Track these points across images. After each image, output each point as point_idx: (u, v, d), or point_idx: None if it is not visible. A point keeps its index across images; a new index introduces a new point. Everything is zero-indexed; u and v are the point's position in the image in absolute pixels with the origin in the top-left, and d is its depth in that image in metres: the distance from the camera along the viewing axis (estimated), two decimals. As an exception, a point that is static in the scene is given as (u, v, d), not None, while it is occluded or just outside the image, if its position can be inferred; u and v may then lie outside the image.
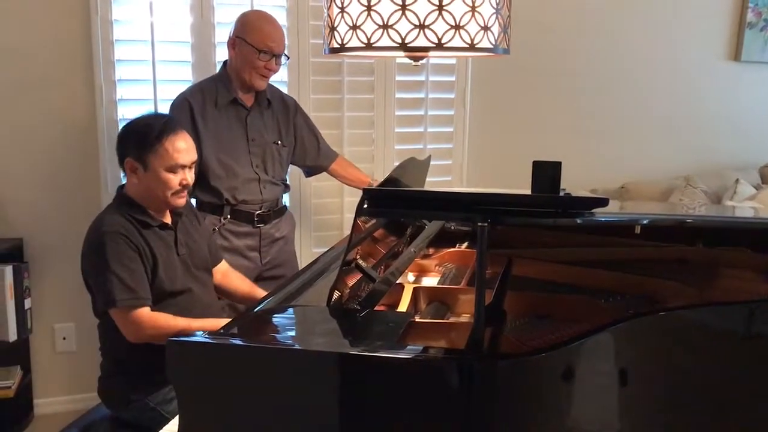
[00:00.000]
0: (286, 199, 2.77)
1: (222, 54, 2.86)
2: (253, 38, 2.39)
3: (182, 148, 1.96)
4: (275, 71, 2.48)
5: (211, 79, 2.55)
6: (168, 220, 2.04)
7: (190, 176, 2.01)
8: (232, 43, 2.44)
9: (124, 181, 2.06)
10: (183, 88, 2.64)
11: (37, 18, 2.72)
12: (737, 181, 3.52)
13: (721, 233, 1.99)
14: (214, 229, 2.45)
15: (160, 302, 1.94)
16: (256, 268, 2.58)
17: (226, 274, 2.26)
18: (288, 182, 2.69)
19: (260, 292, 2.21)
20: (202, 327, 1.78)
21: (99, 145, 2.83)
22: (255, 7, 2.83)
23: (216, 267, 2.23)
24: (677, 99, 3.79)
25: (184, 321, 1.89)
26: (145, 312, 1.88)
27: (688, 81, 3.79)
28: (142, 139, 1.94)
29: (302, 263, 2.77)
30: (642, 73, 3.68)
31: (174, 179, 1.96)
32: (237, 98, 2.47)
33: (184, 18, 2.85)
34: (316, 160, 2.74)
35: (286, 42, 2.57)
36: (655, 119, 3.77)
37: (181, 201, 2.01)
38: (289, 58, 2.57)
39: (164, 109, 2.75)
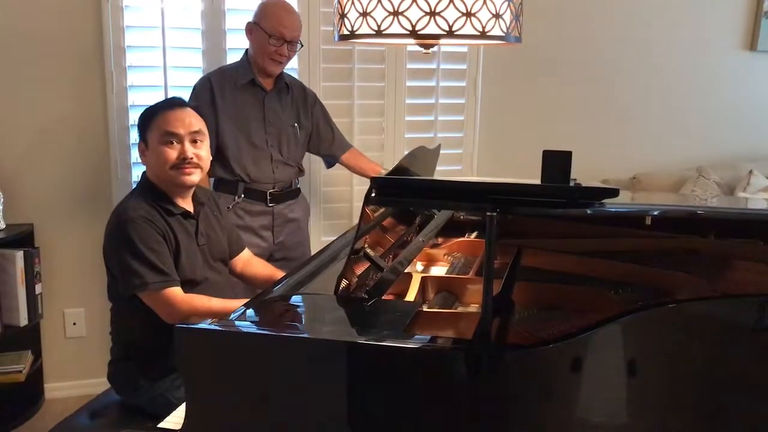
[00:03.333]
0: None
1: (232, 41, 2.88)
2: (266, 24, 2.46)
3: (173, 117, 1.91)
4: (287, 57, 2.54)
5: (233, 64, 2.65)
6: (191, 208, 2.03)
7: (192, 150, 1.92)
8: (249, 29, 2.53)
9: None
10: (194, 74, 2.68)
11: (49, 4, 2.73)
12: (751, 172, 3.49)
13: (734, 225, 1.97)
14: (228, 208, 2.50)
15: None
16: (268, 247, 2.64)
17: (249, 261, 2.25)
18: (302, 167, 2.73)
19: (280, 275, 2.19)
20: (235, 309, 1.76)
21: (109, 131, 2.84)
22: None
23: (239, 255, 2.22)
24: (691, 88, 3.75)
25: (219, 302, 1.86)
26: (178, 291, 1.86)
27: (703, 70, 3.75)
28: (144, 118, 1.96)
29: (311, 251, 2.78)
30: (656, 62, 3.64)
31: (170, 152, 1.89)
32: (255, 79, 2.55)
33: (195, 4, 2.85)
34: (330, 149, 2.80)
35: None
36: (669, 109, 3.73)
37: (186, 178, 1.92)
38: (303, 45, 2.61)
39: (175, 95, 2.76)
